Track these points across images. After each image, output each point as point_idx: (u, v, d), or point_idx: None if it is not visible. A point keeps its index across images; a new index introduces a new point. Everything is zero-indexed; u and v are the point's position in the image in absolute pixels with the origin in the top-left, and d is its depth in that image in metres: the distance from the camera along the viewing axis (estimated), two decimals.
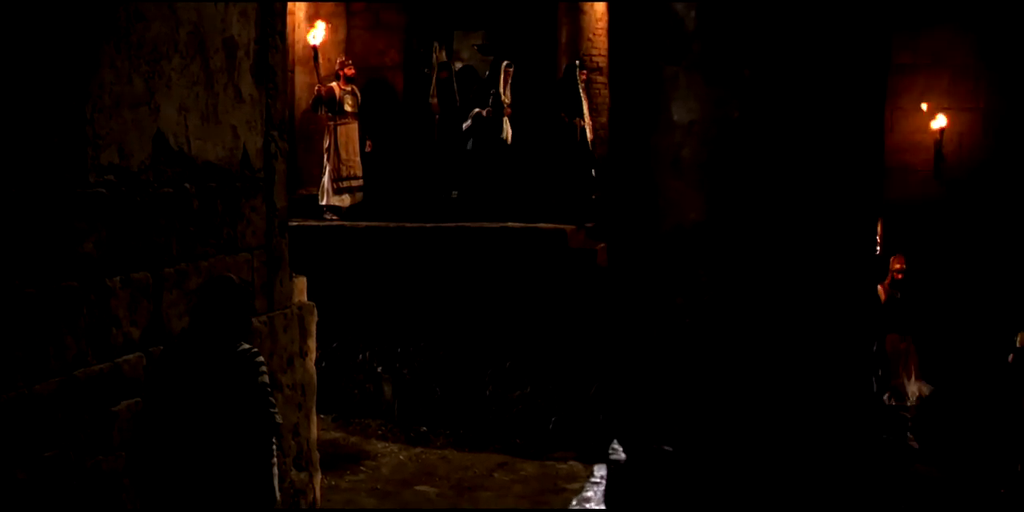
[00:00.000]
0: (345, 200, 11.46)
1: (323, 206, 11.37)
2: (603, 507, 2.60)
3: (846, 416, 2.39)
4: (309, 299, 7.09)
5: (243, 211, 5.98)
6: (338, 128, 11.43)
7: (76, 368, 4.60)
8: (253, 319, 6.02)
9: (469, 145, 11.73)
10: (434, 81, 11.83)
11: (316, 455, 7.04)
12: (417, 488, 8.82)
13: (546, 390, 10.17)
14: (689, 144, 2.35)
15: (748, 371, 2.30)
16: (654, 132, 2.42)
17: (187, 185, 5.43)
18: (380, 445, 9.95)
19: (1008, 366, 8.88)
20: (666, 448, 2.40)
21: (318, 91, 11.43)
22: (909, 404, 10.75)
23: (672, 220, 2.37)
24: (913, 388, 10.83)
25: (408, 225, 10.77)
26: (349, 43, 12.47)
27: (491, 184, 11.56)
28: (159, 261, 5.19)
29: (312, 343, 6.88)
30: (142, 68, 5.02)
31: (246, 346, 4.98)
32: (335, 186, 11.43)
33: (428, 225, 10.71)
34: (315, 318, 6.98)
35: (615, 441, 2.71)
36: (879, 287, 9.72)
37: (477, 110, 11.64)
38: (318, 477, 7.09)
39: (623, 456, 2.65)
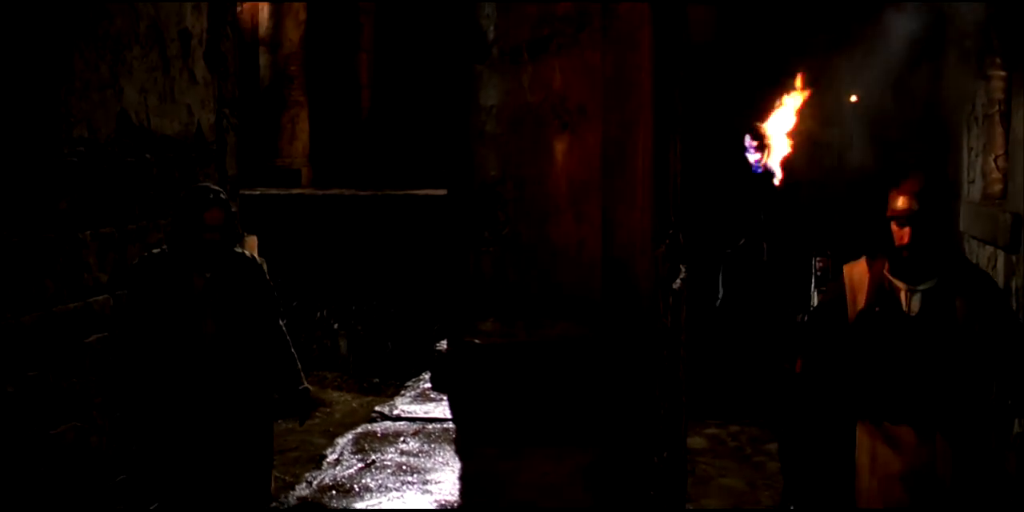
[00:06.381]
0: None
1: None
2: (429, 384, 3.58)
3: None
4: (272, 260, 7.89)
5: (198, 178, 6.82)
6: None
7: (54, 305, 5.49)
8: None
9: None
10: None
11: None
12: None
13: None
14: (490, 122, 3.35)
15: (522, 281, 3.32)
16: (469, 113, 3.42)
17: (147, 155, 6.28)
18: (335, 394, 10.66)
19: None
20: (476, 341, 3.41)
21: None
22: None
23: (480, 177, 3.31)
24: None
25: (361, 193, 11.41)
26: None
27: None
28: (124, 219, 6.06)
29: None
30: (107, 57, 5.88)
31: (242, 250, 5.26)
32: None
33: (378, 193, 11.36)
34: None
35: (445, 338, 3.72)
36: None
37: None
38: None
39: (445, 348, 3.66)
